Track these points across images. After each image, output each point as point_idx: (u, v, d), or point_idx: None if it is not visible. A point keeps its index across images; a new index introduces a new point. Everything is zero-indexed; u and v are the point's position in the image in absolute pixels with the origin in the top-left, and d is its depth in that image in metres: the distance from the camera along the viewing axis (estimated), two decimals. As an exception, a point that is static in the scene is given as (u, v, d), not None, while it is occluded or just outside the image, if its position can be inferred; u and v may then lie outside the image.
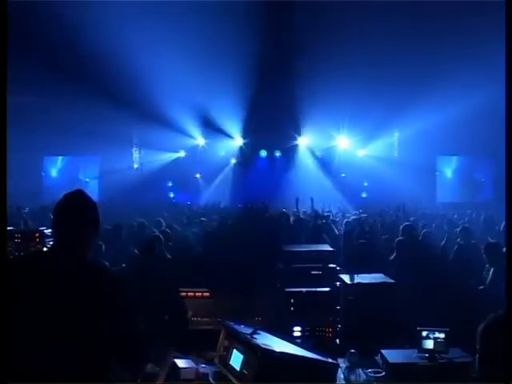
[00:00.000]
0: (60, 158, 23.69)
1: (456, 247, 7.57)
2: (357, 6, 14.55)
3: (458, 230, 8.63)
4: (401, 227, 8.14)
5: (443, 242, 8.51)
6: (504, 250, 6.30)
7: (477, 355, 2.47)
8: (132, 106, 17.89)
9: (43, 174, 23.23)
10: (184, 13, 14.77)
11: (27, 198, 15.18)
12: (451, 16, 14.65)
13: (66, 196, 2.68)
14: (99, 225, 2.73)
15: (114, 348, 2.54)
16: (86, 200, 2.69)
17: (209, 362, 3.78)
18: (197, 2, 14.45)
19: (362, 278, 4.78)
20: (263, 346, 3.15)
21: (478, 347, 2.45)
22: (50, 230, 5.51)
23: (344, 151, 22.57)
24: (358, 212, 14.23)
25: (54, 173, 23.70)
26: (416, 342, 3.94)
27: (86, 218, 2.66)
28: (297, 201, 12.87)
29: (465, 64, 15.73)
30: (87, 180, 22.44)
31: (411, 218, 11.35)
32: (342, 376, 3.63)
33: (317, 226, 9.33)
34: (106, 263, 5.81)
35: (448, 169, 23.81)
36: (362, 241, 7.96)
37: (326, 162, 22.26)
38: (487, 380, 2.38)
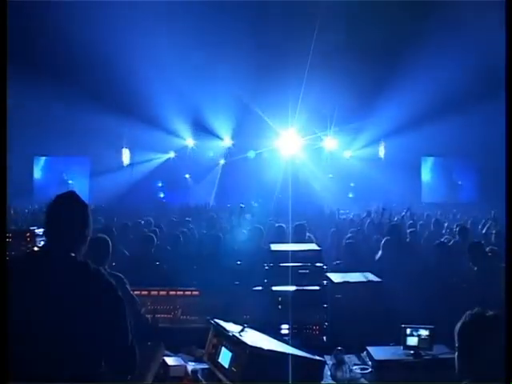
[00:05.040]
0: (49, 158, 23.52)
1: (443, 246, 7.66)
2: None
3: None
4: (386, 227, 8.23)
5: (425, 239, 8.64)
6: (487, 249, 6.45)
7: (456, 353, 2.54)
8: (122, 107, 17.84)
9: (32, 174, 23.04)
10: (175, 13, 14.75)
11: (15, 198, 15.06)
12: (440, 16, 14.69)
13: (58, 197, 2.72)
14: (90, 226, 2.75)
15: (106, 349, 2.57)
16: (77, 201, 2.73)
17: (198, 360, 3.83)
18: (192, 2, 14.45)
19: (350, 277, 4.86)
20: (251, 344, 3.19)
21: (456, 345, 2.53)
22: (40, 230, 5.54)
23: (331, 152, 22.74)
24: (344, 212, 14.36)
25: (42, 173, 23.53)
26: (401, 340, 4.02)
27: (76, 219, 2.69)
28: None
29: (451, 64, 15.89)
30: (70, 182, 22.20)
31: (396, 218, 11.45)
32: (328, 373, 3.69)
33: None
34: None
35: (433, 169, 24.00)
36: (349, 241, 8.02)
37: (313, 163, 22.35)
38: (465, 377, 2.45)
